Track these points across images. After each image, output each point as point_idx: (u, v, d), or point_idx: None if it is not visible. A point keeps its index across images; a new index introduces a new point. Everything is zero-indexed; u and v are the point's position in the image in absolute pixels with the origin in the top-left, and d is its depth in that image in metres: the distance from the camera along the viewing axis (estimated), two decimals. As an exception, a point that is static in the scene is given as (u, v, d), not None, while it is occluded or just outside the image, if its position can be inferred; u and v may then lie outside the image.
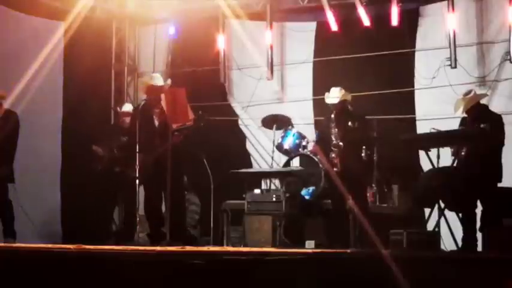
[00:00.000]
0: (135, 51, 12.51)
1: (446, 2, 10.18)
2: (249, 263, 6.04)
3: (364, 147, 9.20)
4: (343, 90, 8.93)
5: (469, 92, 8.60)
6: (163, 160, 8.22)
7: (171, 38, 11.82)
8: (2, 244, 6.51)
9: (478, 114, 8.39)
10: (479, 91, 9.10)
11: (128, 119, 9.99)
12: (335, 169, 8.73)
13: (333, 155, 8.77)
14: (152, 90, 8.76)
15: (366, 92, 10.18)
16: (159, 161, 8.35)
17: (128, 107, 10.12)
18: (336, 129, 8.84)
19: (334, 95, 8.92)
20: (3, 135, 9.06)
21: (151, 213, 8.79)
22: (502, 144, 8.31)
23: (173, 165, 8.31)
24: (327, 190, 9.12)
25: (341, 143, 8.76)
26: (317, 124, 10.64)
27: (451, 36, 10.09)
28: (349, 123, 8.79)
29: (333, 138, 8.86)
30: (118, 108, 10.14)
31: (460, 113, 8.51)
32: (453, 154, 8.54)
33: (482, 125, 8.19)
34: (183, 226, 8.97)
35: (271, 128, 10.33)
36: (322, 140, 9.12)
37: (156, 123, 8.69)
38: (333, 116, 8.91)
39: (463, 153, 8.35)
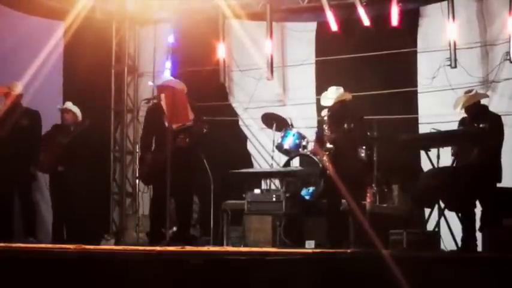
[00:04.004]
0: (135, 52, 12.50)
1: (447, 2, 10.17)
2: (249, 263, 6.04)
3: (363, 147, 9.13)
4: (340, 90, 8.73)
5: (471, 90, 8.62)
6: (172, 160, 8.21)
7: (170, 46, 11.83)
8: (2, 244, 6.50)
9: (477, 114, 8.39)
10: (480, 91, 9.11)
11: (68, 116, 9.96)
12: (328, 172, 8.66)
13: (325, 158, 8.68)
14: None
15: (366, 92, 10.18)
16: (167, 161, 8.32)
17: (66, 104, 10.09)
18: (329, 132, 8.69)
19: (329, 96, 8.78)
20: (29, 134, 9.23)
21: (156, 212, 8.77)
22: (501, 144, 8.31)
23: (183, 167, 8.33)
24: (324, 190, 9.11)
25: (330, 146, 8.65)
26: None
27: (451, 36, 10.09)
28: (345, 125, 8.58)
29: (326, 141, 8.76)
30: (58, 106, 10.15)
31: (459, 110, 8.50)
32: (453, 154, 8.55)
33: (481, 125, 8.20)
34: (187, 226, 8.97)
35: (270, 126, 10.32)
36: (320, 139, 9.00)
37: (166, 123, 8.64)
38: (326, 117, 8.81)
39: (471, 159, 8.28)
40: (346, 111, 8.71)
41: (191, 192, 9.06)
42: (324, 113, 9.25)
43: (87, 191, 10.75)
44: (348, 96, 8.80)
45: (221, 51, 11.42)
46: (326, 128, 8.70)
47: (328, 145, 8.62)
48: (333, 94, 8.75)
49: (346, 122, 8.57)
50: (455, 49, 10.07)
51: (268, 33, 11.05)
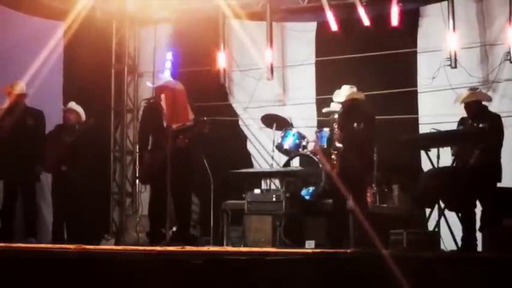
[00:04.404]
0: (135, 51, 12.51)
1: (447, 2, 10.18)
2: (249, 263, 6.04)
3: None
4: (353, 89, 8.75)
5: (476, 88, 8.65)
6: (171, 160, 8.20)
7: (170, 46, 11.84)
8: (2, 244, 6.50)
9: (477, 114, 8.39)
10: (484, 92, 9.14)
11: (71, 116, 9.99)
12: (335, 170, 8.68)
13: (333, 157, 8.70)
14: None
15: (366, 92, 10.13)
16: (166, 161, 8.30)
17: (70, 104, 10.11)
18: (338, 131, 8.69)
19: (342, 93, 8.76)
20: (34, 134, 9.28)
21: (155, 212, 8.77)
22: (501, 144, 8.31)
23: (182, 166, 8.32)
24: (328, 190, 9.10)
25: (339, 145, 8.64)
26: (320, 123, 10.66)
27: (451, 36, 10.10)
28: (355, 125, 8.56)
29: (335, 140, 8.77)
30: (63, 106, 10.20)
31: (458, 104, 8.49)
32: (453, 154, 8.55)
33: (481, 125, 8.20)
34: (187, 226, 8.98)
35: (270, 127, 10.33)
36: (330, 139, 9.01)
37: (165, 123, 8.64)
38: (336, 116, 8.80)
39: (472, 160, 8.25)
40: (357, 111, 8.69)
41: (190, 193, 9.05)
42: (326, 110, 9.27)
43: (87, 190, 10.76)
44: (361, 95, 8.78)
45: (221, 51, 11.42)
46: (336, 126, 8.69)
47: (337, 144, 8.62)
48: (346, 91, 8.74)
49: (356, 121, 8.55)
50: (455, 49, 10.08)
51: (268, 33, 11.05)
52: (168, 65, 11.86)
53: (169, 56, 11.89)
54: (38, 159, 9.39)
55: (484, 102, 8.60)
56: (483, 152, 8.15)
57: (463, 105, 8.46)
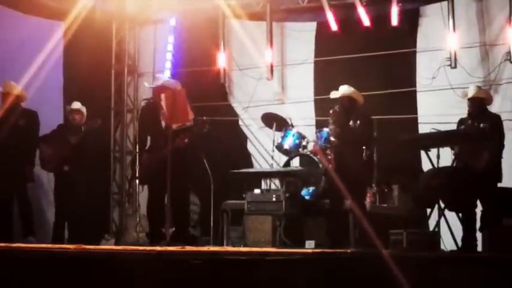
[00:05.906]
0: (135, 52, 12.50)
1: (447, 2, 10.18)
2: (249, 263, 6.04)
3: (364, 147, 9.11)
4: (351, 89, 8.76)
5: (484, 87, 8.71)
6: (170, 160, 8.19)
7: (171, 46, 11.83)
8: (2, 244, 6.50)
9: (478, 114, 8.40)
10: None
11: (77, 117, 9.96)
12: (331, 166, 8.70)
13: (328, 152, 8.75)
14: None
15: (366, 92, 10.15)
16: (165, 162, 8.29)
17: (76, 105, 10.10)
18: (333, 126, 8.71)
19: (340, 91, 8.78)
20: (26, 134, 9.26)
21: (153, 212, 8.77)
22: (502, 144, 8.31)
23: (179, 166, 8.32)
24: (327, 190, 9.11)
25: (333, 139, 8.66)
26: (318, 123, 10.66)
27: (451, 36, 10.10)
28: (351, 122, 8.60)
29: (330, 135, 8.79)
30: (68, 106, 10.20)
31: (468, 96, 8.49)
32: (454, 154, 8.55)
33: (481, 125, 8.21)
34: (186, 227, 8.97)
35: (270, 126, 10.33)
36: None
37: (163, 123, 8.63)
38: (331, 111, 8.82)
39: (481, 163, 8.24)
40: (354, 109, 8.69)
41: (188, 192, 9.05)
42: (333, 95, 9.28)
43: (88, 190, 10.76)
44: (358, 95, 8.78)
45: (221, 51, 11.43)
46: (331, 122, 8.70)
47: (332, 139, 8.65)
48: (342, 90, 8.74)
49: (353, 119, 8.57)
50: (455, 49, 10.08)
51: (268, 33, 11.05)
52: (168, 65, 11.87)
53: (169, 56, 11.91)
54: (28, 160, 9.37)
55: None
56: (492, 154, 8.15)
57: (466, 102, 8.47)
